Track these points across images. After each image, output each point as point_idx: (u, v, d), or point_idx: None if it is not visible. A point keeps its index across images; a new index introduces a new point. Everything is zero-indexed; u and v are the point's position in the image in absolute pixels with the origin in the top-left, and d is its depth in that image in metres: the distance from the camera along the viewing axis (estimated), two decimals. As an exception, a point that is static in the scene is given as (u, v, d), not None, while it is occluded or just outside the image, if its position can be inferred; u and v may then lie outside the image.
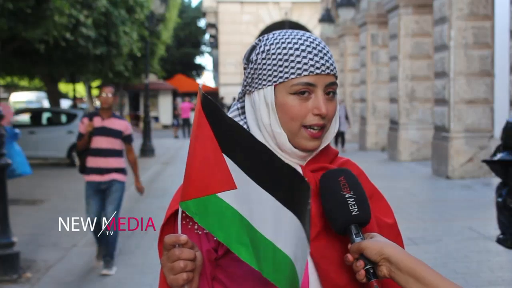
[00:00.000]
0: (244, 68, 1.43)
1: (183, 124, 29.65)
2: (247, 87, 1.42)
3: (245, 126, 1.42)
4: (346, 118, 19.39)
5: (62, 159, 16.27)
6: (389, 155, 16.65)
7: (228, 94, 34.71)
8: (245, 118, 1.43)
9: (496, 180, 3.81)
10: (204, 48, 53.10)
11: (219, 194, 1.17)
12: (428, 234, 7.44)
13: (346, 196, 1.30)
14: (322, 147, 1.41)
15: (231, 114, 1.45)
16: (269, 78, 1.36)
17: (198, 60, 56.89)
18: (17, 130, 9.24)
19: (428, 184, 11.94)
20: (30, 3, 11.40)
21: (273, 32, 1.43)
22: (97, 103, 49.67)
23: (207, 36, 49.93)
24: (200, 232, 1.34)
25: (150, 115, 20.51)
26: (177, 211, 1.34)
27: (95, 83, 36.00)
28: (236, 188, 1.17)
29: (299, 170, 1.37)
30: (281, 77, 1.35)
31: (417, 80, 15.58)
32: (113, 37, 16.27)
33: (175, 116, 30.46)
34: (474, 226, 7.73)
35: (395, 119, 16.04)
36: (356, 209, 1.29)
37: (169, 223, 1.36)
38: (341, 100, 19.64)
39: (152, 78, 31.89)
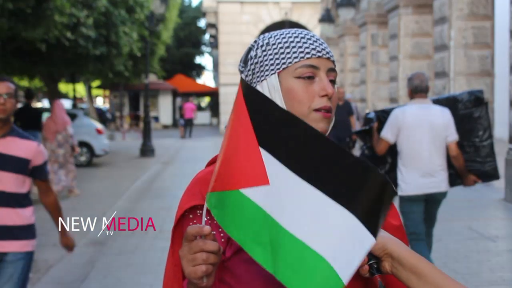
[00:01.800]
0: (241, 72, 1.43)
1: (186, 124, 29.63)
2: None
3: None
4: (358, 118, 18.12)
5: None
6: (389, 155, 16.60)
7: (228, 94, 34.70)
8: None
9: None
10: (204, 48, 53.10)
11: (244, 190, 1.12)
12: (428, 234, 7.43)
13: None
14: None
15: None
16: (272, 67, 1.37)
17: (198, 60, 56.90)
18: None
19: (428, 184, 11.91)
20: (30, 3, 11.40)
21: (269, 32, 1.46)
22: (98, 103, 49.44)
23: (207, 36, 49.93)
24: None
25: (150, 115, 20.51)
26: (185, 212, 1.35)
27: (95, 83, 36.03)
28: (268, 184, 1.10)
29: None
30: (284, 63, 1.36)
31: (417, 80, 15.56)
32: (113, 37, 16.27)
33: (181, 116, 30.34)
34: (474, 226, 7.73)
35: (395, 119, 16.01)
36: None
37: (179, 224, 1.36)
38: (351, 98, 18.96)
39: (152, 78, 31.90)
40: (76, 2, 13.64)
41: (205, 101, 51.88)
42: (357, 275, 1.32)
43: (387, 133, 5.11)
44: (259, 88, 1.39)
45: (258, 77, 1.39)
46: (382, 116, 5.29)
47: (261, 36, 1.44)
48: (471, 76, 12.16)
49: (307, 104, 1.35)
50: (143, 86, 25.67)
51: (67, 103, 32.15)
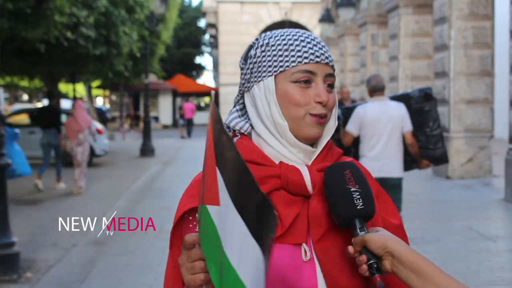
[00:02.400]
0: (241, 69, 1.44)
1: (186, 124, 29.64)
2: (246, 85, 1.42)
3: (247, 125, 1.41)
4: None
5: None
6: (389, 155, 16.62)
7: (228, 94, 34.71)
8: (245, 118, 1.42)
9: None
10: (204, 48, 53.12)
11: (208, 207, 1.13)
12: (428, 234, 7.44)
13: (351, 189, 1.29)
14: (324, 141, 1.40)
15: (230, 118, 1.44)
16: (269, 69, 1.37)
17: (198, 60, 56.92)
18: (17, 130, 9.26)
19: (428, 184, 11.94)
20: (30, 3, 11.40)
21: (271, 31, 1.45)
22: (99, 103, 49.77)
23: (207, 36, 49.94)
24: None
25: (150, 115, 20.51)
26: (184, 214, 1.35)
27: (95, 83, 36.04)
28: (219, 205, 1.12)
29: (305, 170, 1.36)
30: (281, 66, 1.35)
31: (417, 80, 15.58)
32: (113, 37, 16.26)
33: (181, 116, 30.36)
34: (474, 226, 7.73)
35: (395, 119, 16.02)
36: (361, 203, 1.28)
37: (178, 226, 1.36)
38: (355, 97, 18.99)
39: (152, 78, 31.89)
40: (76, 2, 13.65)
41: (205, 101, 51.90)
42: (359, 282, 1.32)
43: (352, 127, 5.97)
44: (255, 88, 1.38)
45: (255, 77, 1.39)
46: (347, 112, 6.12)
47: (263, 35, 1.43)
48: (471, 76, 12.16)
49: (303, 107, 1.34)
50: (143, 86, 25.67)
51: (67, 103, 32.13)
